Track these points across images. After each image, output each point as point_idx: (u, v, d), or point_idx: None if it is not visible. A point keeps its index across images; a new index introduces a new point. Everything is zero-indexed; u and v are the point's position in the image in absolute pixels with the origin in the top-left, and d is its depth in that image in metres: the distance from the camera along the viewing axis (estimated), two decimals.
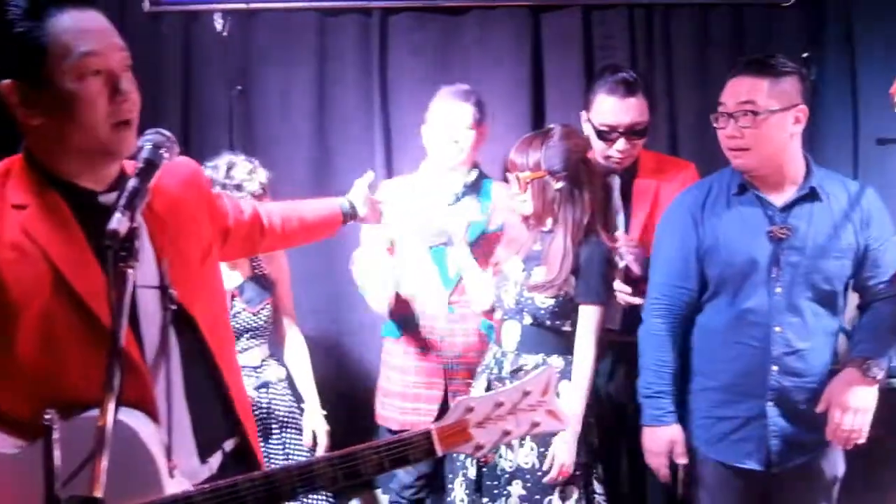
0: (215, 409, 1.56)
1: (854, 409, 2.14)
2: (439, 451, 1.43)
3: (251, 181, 2.59)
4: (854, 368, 2.17)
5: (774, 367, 2.21)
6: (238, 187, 2.57)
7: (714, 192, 2.31)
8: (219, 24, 3.26)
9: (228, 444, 1.58)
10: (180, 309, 1.45)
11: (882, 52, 3.48)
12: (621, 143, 2.62)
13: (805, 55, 3.41)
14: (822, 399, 2.18)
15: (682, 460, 2.29)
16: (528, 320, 2.45)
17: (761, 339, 2.21)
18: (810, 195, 2.22)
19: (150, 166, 1.34)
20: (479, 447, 1.47)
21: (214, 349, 1.52)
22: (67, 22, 1.33)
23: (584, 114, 2.72)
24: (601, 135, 2.63)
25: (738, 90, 2.18)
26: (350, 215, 2.08)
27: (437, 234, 2.69)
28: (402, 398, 2.75)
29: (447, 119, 2.68)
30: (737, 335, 2.25)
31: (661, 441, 2.29)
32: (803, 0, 3.39)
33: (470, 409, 1.46)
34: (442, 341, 2.72)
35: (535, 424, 1.49)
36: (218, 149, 2.88)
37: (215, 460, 1.54)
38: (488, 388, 2.44)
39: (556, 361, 2.43)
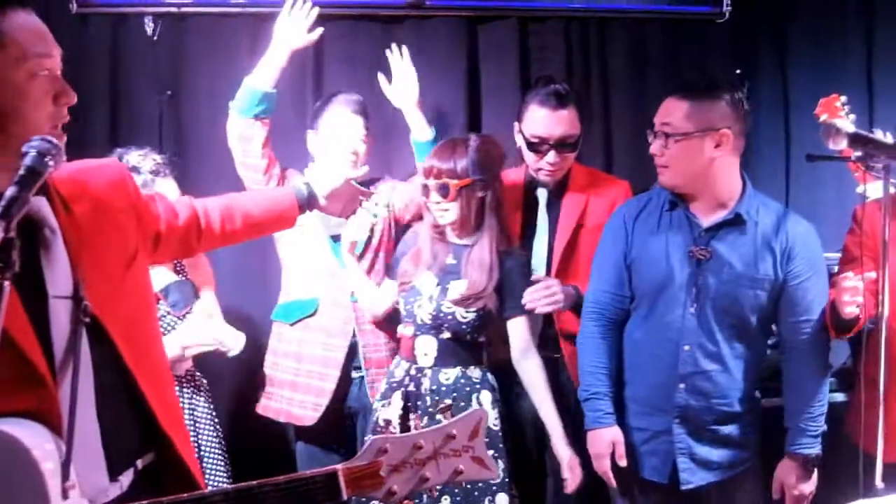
0: (131, 424, 1.50)
1: (807, 494, 2.25)
2: (344, 495, 1.35)
3: (145, 161, 2.60)
4: (797, 464, 2.24)
5: (682, 385, 2.25)
6: (134, 169, 2.53)
7: (650, 205, 2.35)
8: (149, 27, 3.17)
9: (143, 461, 1.53)
10: (94, 320, 1.40)
11: (813, 68, 3.56)
12: (552, 156, 2.62)
13: (738, 71, 3.48)
14: (773, 485, 2.29)
15: (622, 462, 2.31)
16: (445, 335, 2.45)
17: (671, 356, 2.25)
18: (736, 220, 2.23)
19: (33, 174, 1.26)
20: (390, 493, 1.36)
21: (132, 360, 1.46)
22: (20, 20, 1.33)
23: (516, 125, 2.72)
24: (532, 146, 2.63)
25: (664, 110, 2.23)
26: (308, 203, 1.96)
27: (336, 225, 2.68)
28: (292, 388, 2.70)
29: (345, 130, 2.71)
30: (652, 348, 2.30)
31: (601, 443, 2.32)
32: (737, 16, 3.44)
33: (384, 451, 1.37)
34: (344, 329, 2.69)
35: (458, 472, 1.40)
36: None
37: (127, 478, 1.48)
38: (406, 407, 2.44)
39: (475, 372, 2.46)
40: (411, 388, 2.46)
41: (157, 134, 3.18)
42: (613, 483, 2.34)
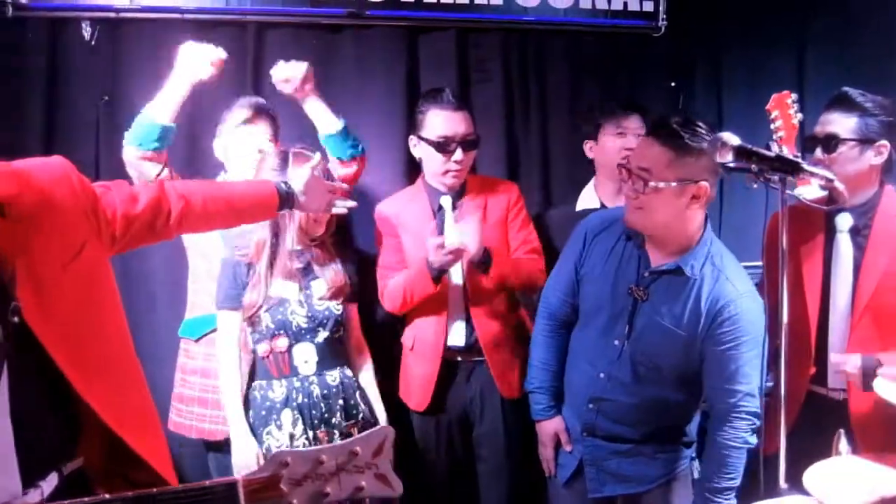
0: (54, 428, 1.49)
1: None
2: None
3: None
4: None
5: (590, 405, 2.32)
6: None
7: (614, 227, 2.33)
8: (86, 32, 3.15)
9: (70, 466, 1.52)
10: (22, 321, 1.38)
11: (746, 83, 3.65)
12: (459, 154, 2.71)
13: (673, 84, 3.56)
14: None
15: (567, 448, 2.42)
16: (322, 336, 2.49)
17: (589, 376, 2.31)
18: (677, 272, 2.20)
19: None
20: None
21: (66, 361, 1.44)
22: None
23: (413, 138, 2.81)
24: (440, 147, 2.71)
25: (644, 152, 2.16)
26: (287, 199, 2.04)
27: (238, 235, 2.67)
28: (201, 404, 2.70)
29: (255, 135, 2.73)
30: (578, 360, 2.37)
31: (544, 434, 2.46)
32: (672, 31, 3.52)
33: (284, 464, 1.37)
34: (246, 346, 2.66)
35: (360, 489, 1.39)
36: (84, 159, 2.80)
37: (48, 484, 1.47)
38: (305, 422, 2.45)
39: (349, 372, 2.57)
40: (301, 400, 2.46)
41: (94, 140, 3.15)
42: (551, 470, 2.46)
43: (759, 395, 2.15)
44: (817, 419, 2.32)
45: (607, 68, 3.53)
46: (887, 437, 2.12)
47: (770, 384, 2.13)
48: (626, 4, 3.49)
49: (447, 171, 2.74)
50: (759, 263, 3.04)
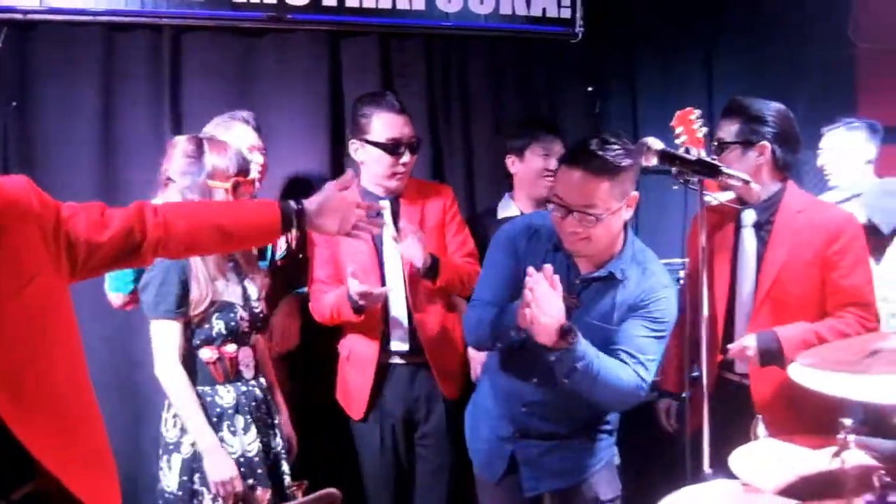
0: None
1: None
2: None
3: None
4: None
5: (524, 408, 2.34)
6: None
7: (540, 235, 2.32)
8: None
9: (19, 493, 1.46)
10: None
11: (660, 87, 3.78)
12: (407, 156, 2.73)
13: (590, 89, 3.66)
14: None
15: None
16: (254, 338, 2.46)
17: (522, 381, 2.33)
18: (608, 278, 2.24)
19: None
20: None
21: (4, 390, 1.39)
22: None
23: (355, 142, 2.77)
24: (391, 149, 2.70)
25: (579, 189, 2.10)
26: (298, 218, 1.85)
27: None
28: None
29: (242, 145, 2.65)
30: (510, 364, 2.35)
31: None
32: (589, 37, 3.61)
33: None
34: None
35: None
36: None
37: None
38: (256, 426, 2.40)
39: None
40: (250, 404, 2.40)
41: (2, 148, 3.03)
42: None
43: (651, 375, 2.21)
44: (729, 404, 2.42)
45: (527, 73, 3.60)
46: (789, 418, 2.22)
47: (695, 374, 2.21)
48: (544, 11, 3.56)
49: (394, 174, 2.74)
50: (676, 260, 3.19)
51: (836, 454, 1.62)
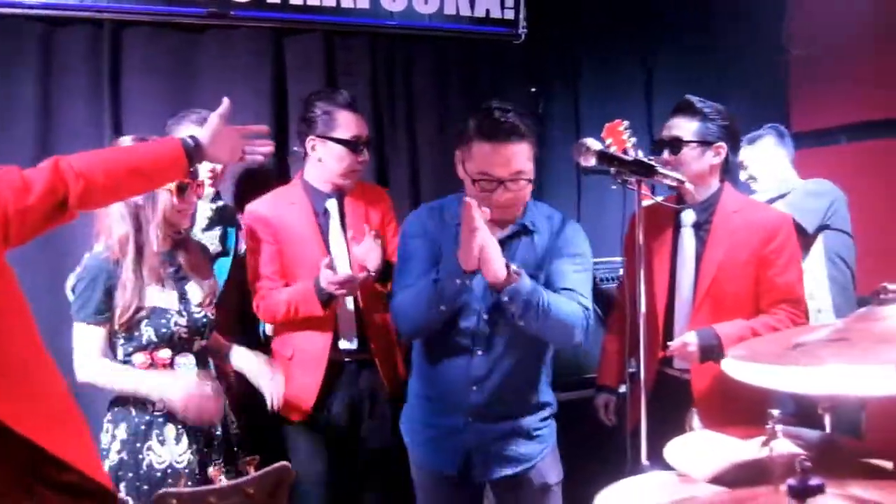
0: None
1: None
2: None
3: None
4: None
5: (474, 388, 2.35)
6: None
7: (444, 216, 2.38)
8: None
9: None
10: None
11: (601, 87, 3.87)
12: (365, 153, 2.75)
13: (533, 89, 3.71)
14: None
15: None
16: (198, 345, 2.40)
17: (465, 360, 2.34)
18: (523, 230, 2.34)
19: None
20: None
21: None
22: None
23: (313, 139, 2.73)
24: (353, 147, 2.70)
25: (509, 159, 2.17)
26: (196, 152, 1.91)
27: None
28: None
29: None
30: (448, 350, 2.36)
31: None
32: (532, 38, 3.67)
33: None
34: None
35: None
36: None
37: None
38: (189, 436, 2.32)
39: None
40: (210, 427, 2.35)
41: None
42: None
43: (591, 304, 2.31)
44: (669, 398, 2.48)
45: (471, 73, 3.64)
46: (725, 410, 2.29)
47: (632, 370, 2.27)
48: (488, 12, 3.61)
49: (353, 171, 2.74)
50: (615, 259, 3.27)
51: (765, 443, 1.69)
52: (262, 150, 2.19)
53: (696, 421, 2.06)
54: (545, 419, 2.47)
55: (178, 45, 3.22)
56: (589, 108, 3.83)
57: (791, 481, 1.12)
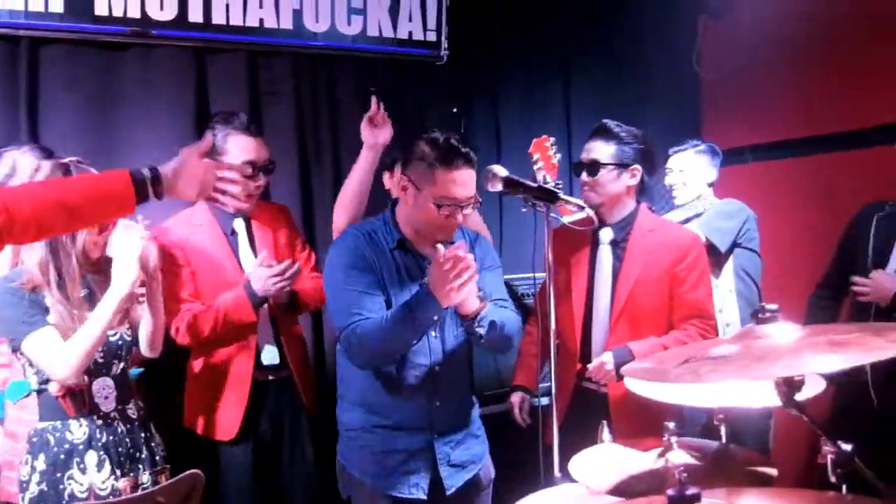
0: None
1: None
2: None
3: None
4: None
5: (437, 402, 2.43)
6: None
7: (377, 239, 2.43)
8: None
9: None
10: None
11: (521, 107, 3.98)
12: (261, 178, 2.78)
13: (455, 109, 3.80)
14: None
15: None
16: (117, 368, 2.38)
17: (426, 379, 2.41)
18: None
19: None
20: None
21: None
22: None
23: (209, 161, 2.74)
24: (245, 172, 2.71)
25: (467, 184, 2.30)
26: (153, 185, 1.76)
27: None
28: (7, 467, 2.38)
29: None
30: (406, 374, 2.41)
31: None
32: (453, 59, 3.75)
33: None
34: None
35: None
36: None
37: None
38: (112, 462, 2.29)
39: (140, 402, 2.46)
40: (106, 439, 2.30)
41: None
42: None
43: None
44: (586, 411, 2.60)
45: (395, 93, 3.66)
46: (638, 422, 2.40)
47: (547, 384, 2.36)
48: (410, 34, 3.68)
49: (250, 195, 2.76)
50: (540, 274, 3.35)
51: (661, 455, 1.79)
52: (233, 189, 2.26)
53: (605, 433, 2.15)
54: (480, 420, 2.61)
55: (99, 64, 3.20)
56: (510, 125, 3.94)
57: (670, 491, 1.21)
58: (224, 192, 2.49)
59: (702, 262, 2.71)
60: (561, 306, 2.73)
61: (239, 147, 2.71)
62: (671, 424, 1.84)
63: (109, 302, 2.22)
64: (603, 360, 2.57)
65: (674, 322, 2.68)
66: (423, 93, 3.76)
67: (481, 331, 2.31)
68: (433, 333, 2.40)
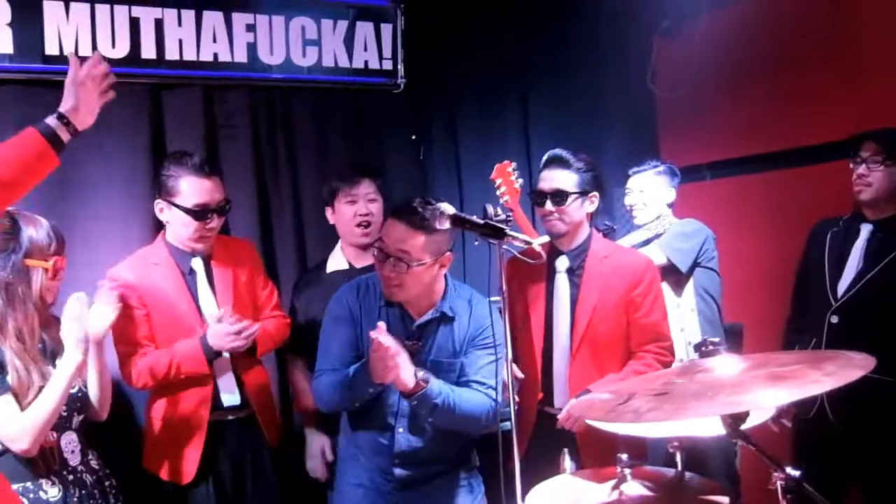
0: None
1: None
2: None
3: None
4: None
5: (397, 460, 2.46)
6: None
7: (368, 296, 2.49)
8: None
9: None
10: None
11: (480, 133, 4.00)
12: (215, 220, 2.74)
13: (413, 137, 3.81)
14: None
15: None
16: (77, 420, 2.34)
17: (388, 437, 2.46)
18: (442, 317, 2.46)
19: None
20: None
21: None
22: None
23: (160, 202, 2.72)
24: (199, 215, 2.69)
25: (399, 237, 2.35)
26: (56, 132, 1.93)
27: None
28: None
29: None
30: (372, 429, 2.48)
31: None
32: (411, 87, 3.77)
33: None
34: None
35: None
36: None
37: None
38: None
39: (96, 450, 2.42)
40: (79, 493, 2.27)
41: None
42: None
43: (499, 395, 2.45)
44: (550, 438, 2.60)
45: (353, 123, 3.70)
46: (605, 447, 2.40)
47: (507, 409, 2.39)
48: (366, 63, 3.69)
49: (201, 237, 2.73)
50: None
51: (615, 486, 1.81)
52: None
53: (567, 461, 2.16)
54: (471, 471, 2.60)
55: (52, 102, 3.08)
56: (469, 152, 3.95)
57: None
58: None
59: (656, 286, 2.75)
60: (521, 335, 2.77)
61: (191, 189, 2.68)
62: (624, 456, 1.85)
63: (64, 371, 2.20)
64: (568, 409, 2.56)
65: (632, 347, 2.71)
66: (381, 121, 3.76)
67: (420, 410, 2.35)
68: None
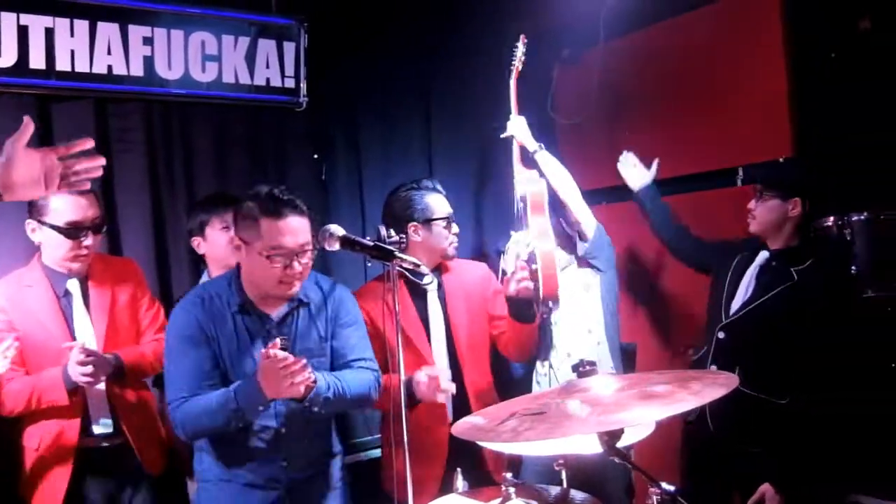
0: None
1: None
2: None
3: None
4: None
5: (284, 462, 2.42)
6: None
7: (216, 306, 2.41)
8: None
9: None
10: None
11: (382, 150, 4.00)
12: (90, 238, 2.65)
13: (315, 156, 3.80)
14: None
15: None
16: None
17: (270, 442, 2.40)
18: (299, 305, 2.46)
19: None
20: None
21: None
22: None
23: (31, 222, 2.65)
24: (71, 234, 2.61)
25: (298, 232, 2.31)
26: None
27: None
28: None
29: None
30: (251, 439, 2.40)
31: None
32: (313, 106, 3.75)
33: None
34: None
35: None
36: None
37: None
38: None
39: None
40: None
41: None
42: None
43: (376, 364, 2.55)
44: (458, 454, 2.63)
45: (253, 140, 3.66)
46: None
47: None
48: (268, 80, 3.65)
49: (76, 257, 2.64)
50: None
51: None
52: (89, 173, 1.91)
53: (459, 481, 2.18)
54: (339, 462, 2.61)
55: None
56: (371, 170, 3.95)
57: None
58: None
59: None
60: (406, 356, 2.79)
61: (63, 207, 2.58)
62: (509, 475, 1.89)
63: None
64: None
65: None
66: (283, 139, 3.74)
67: (314, 408, 2.34)
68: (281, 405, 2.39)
